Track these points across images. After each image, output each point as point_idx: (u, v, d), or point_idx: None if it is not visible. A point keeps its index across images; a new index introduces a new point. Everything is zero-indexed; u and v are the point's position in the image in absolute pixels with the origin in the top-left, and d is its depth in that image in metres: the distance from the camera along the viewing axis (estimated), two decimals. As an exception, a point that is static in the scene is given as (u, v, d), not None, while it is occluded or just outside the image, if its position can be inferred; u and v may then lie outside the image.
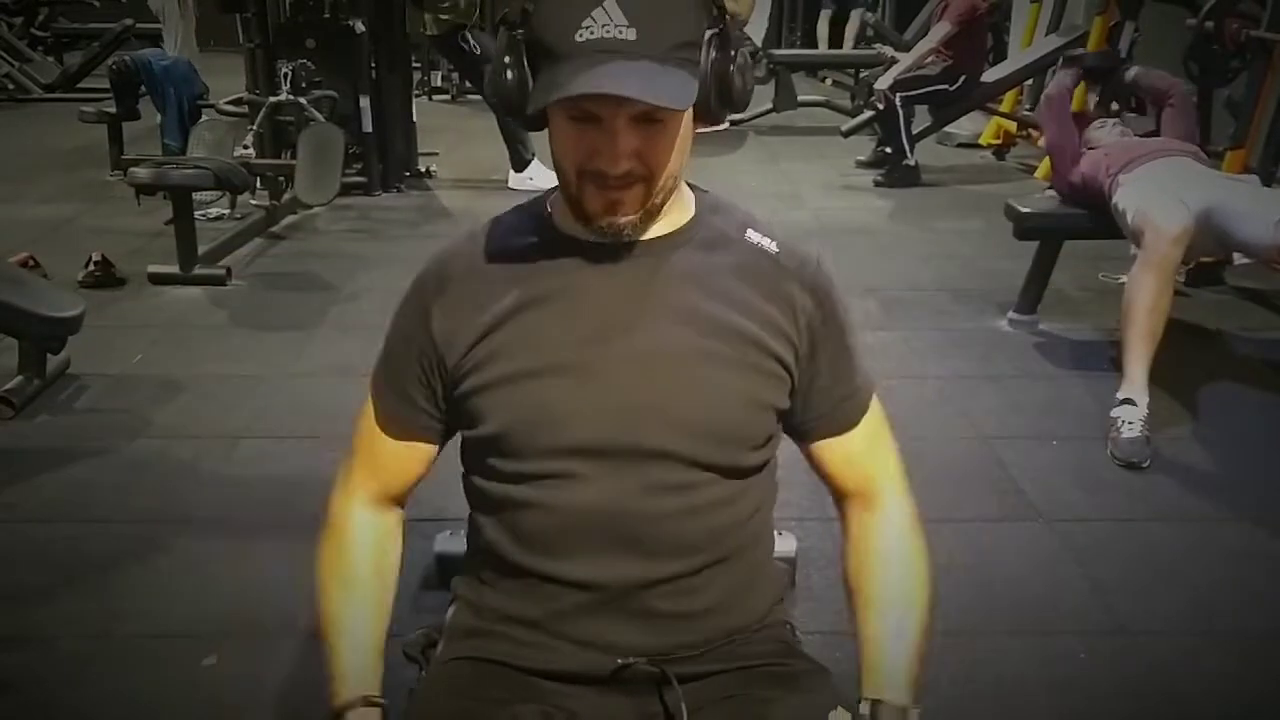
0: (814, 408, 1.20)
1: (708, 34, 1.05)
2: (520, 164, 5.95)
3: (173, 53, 6.40)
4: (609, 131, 1.02)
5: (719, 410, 1.12)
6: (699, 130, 1.13)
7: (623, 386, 1.11)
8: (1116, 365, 3.17)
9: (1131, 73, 4.14)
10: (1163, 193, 3.20)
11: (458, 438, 1.24)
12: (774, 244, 1.18)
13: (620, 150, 1.03)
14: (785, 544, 2.24)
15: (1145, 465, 2.87)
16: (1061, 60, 4.52)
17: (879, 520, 1.24)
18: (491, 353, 1.13)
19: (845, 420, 1.22)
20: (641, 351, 1.12)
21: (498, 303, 1.13)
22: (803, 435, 1.24)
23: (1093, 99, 4.31)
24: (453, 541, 2.21)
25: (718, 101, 1.08)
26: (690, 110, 1.06)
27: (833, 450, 1.24)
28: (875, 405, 1.25)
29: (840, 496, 1.27)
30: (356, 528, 1.25)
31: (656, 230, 1.14)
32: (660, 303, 1.13)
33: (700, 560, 1.15)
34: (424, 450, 1.24)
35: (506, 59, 1.06)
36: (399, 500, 1.28)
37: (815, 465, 1.26)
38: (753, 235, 1.18)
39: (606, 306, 1.12)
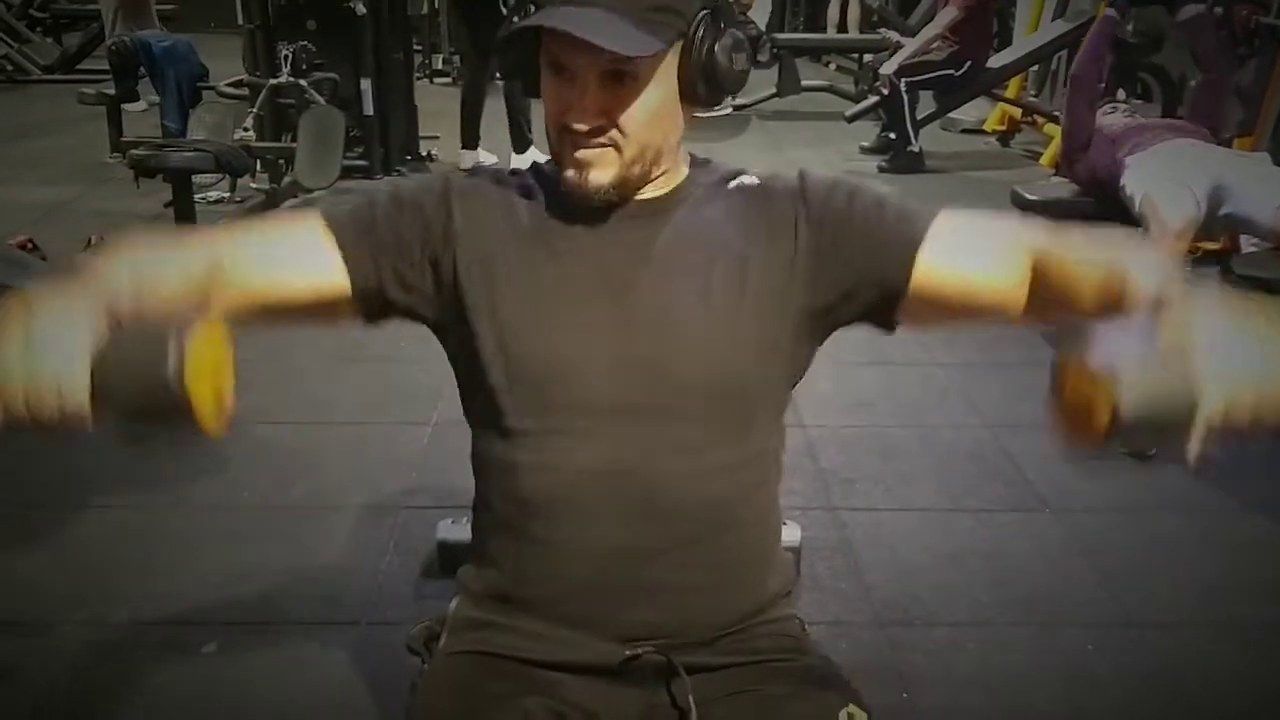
0: (878, 268, 1.10)
1: (700, 13, 1.05)
2: (522, 145, 5.97)
3: (110, 31, 6.37)
4: (580, 86, 1.04)
5: (724, 364, 1.11)
6: (698, 114, 1.13)
7: (626, 343, 1.10)
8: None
9: (1190, 10, 3.69)
10: (1170, 180, 3.18)
11: (461, 421, 1.21)
12: (757, 180, 1.18)
13: (588, 104, 1.04)
14: (789, 533, 2.23)
15: (1151, 454, 2.84)
16: None
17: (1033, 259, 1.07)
18: (496, 290, 1.11)
19: (910, 249, 1.09)
20: (645, 308, 1.11)
21: (510, 239, 1.13)
22: (895, 298, 1.11)
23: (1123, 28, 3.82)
24: (454, 529, 2.20)
25: (702, 81, 1.07)
26: (672, 83, 1.07)
27: (929, 283, 1.10)
28: (946, 218, 1.12)
29: (999, 307, 1.10)
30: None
31: (655, 190, 1.14)
32: (662, 260, 1.12)
33: (704, 527, 1.13)
34: (331, 282, 1.10)
35: (514, 19, 1.09)
36: (241, 308, 1.06)
37: (934, 302, 1.11)
38: (738, 182, 1.18)
39: (610, 265, 1.12)
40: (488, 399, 1.14)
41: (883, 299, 1.12)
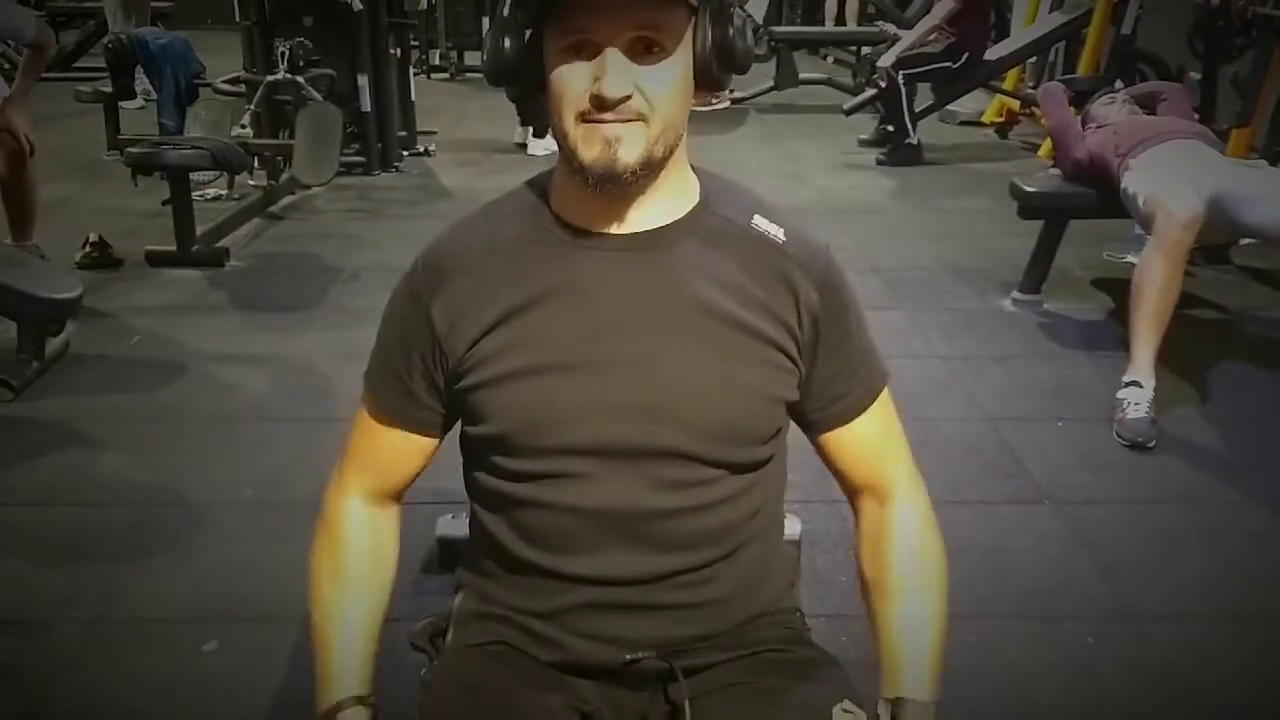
0: (818, 399, 1.17)
1: None
2: (542, 129, 6.10)
3: (113, 27, 6.37)
4: (605, 56, 1.00)
5: (726, 406, 1.10)
6: (699, 108, 1.10)
7: (628, 384, 1.08)
8: (1123, 345, 3.15)
9: (1121, 96, 3.94)
10: (1175, 178, 3.17)
11: (456, 428, 1.21)
12: (781, 232, 1.14)
13: (617, 73, 1.00)
14: (790, 527, 2.22)
15: (1151, 446, 2.85)
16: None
17: (892, 514, 1.21)
18: (495, 349, 1.09)
19: (849, 412, 1.19)
20: (647, 347, 1.08)
21: (499, 298, 1.09)
22: (808, 427, 1.21)
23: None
24: (454, 525, 2.20)
25: (718, 61, 1.06)
26: (689, 62, 1.05)
27: (839, 442, 1.20)
28: (885, 398, 1.22)
29: (851, 491, 1.24)
30: (352, 523, 1.22)
31: (660, 219, 1.10)
32: (666, 297, 1.09)
33: (709, 555, 1.12)
34: (424, 443, 1.20)
35: (505, 13, 1.08)
36: (396, 495, 1.25)
37: (824, 457, 1.23)
38: (760, 223, 1.14)
39: (611, 302, 1.09)
40: (486, 438, 1.12)
41: (800, 411, 1.18)
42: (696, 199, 1.14)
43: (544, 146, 6.15)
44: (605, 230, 1.10)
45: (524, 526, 1.13)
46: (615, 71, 1.00)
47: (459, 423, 1.20)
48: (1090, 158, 3.58)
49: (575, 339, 1.08)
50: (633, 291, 1.09)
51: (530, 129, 6.26)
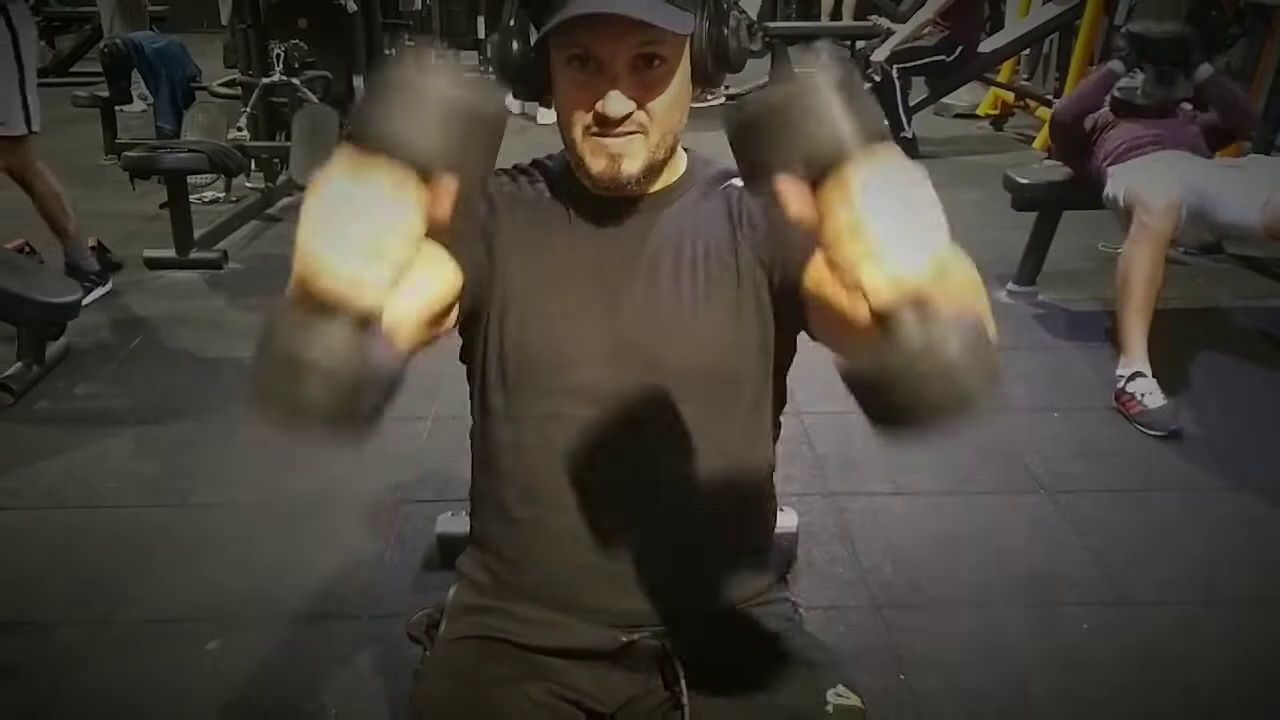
0: (799, 263, 1.06)
1: None
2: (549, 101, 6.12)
3: (108, 31, 6.38)
4: (609, 74, 1.04)
5: (718, 355, 1.14)
6: (694, 104, 1.14)
7: (621, 331, 1.13)
8: (1115, 336, 3.16)
9: (1205, 72, 3.39)
10: (1153, 175, 3.19)
11: (458, 415, 1.24)
12: (740, 181, 1.19)
13: (620, 92, 1.04)
14: (786, 519, 2.24)
15: (1177, 429, 2.87)
16: (1118, 38, 3.68)
17: None
18: (509, 278, 1.14)
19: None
20: (639, 298, 1.14)
21: (524, 230, 1.16)
22: (795, 286, 1.08)
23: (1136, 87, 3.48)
24: (454, 522, 2.21)
25: (713, 61, 1.10)
26: (688, 66, 1.09)
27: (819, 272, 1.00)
28: None
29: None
30: None
31: (657, 184, 1.17)
32: (657, 253, 1.15)
33: (697, 514, 1.16)
34: (450, 282, 1.07)
35: (513, 23, 1.11)
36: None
37: (828, 312, 1.00)
38: (735, 183, 1.20)
39: (609, 257, 1.15)
40: (488, 383, 1.17)
41: (785, 284, 1.10)
42: (684, 168, 1.20)
43: (551, 116, 6.17)
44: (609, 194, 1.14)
45: (515, 474, 1.17)
46: (616, 91, 1.04)
47: (463, 418, 1.23)
48: (1085, 171, 3.57)
49: (571, 289, 1.14)
50: (628, 248, 1.15)
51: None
